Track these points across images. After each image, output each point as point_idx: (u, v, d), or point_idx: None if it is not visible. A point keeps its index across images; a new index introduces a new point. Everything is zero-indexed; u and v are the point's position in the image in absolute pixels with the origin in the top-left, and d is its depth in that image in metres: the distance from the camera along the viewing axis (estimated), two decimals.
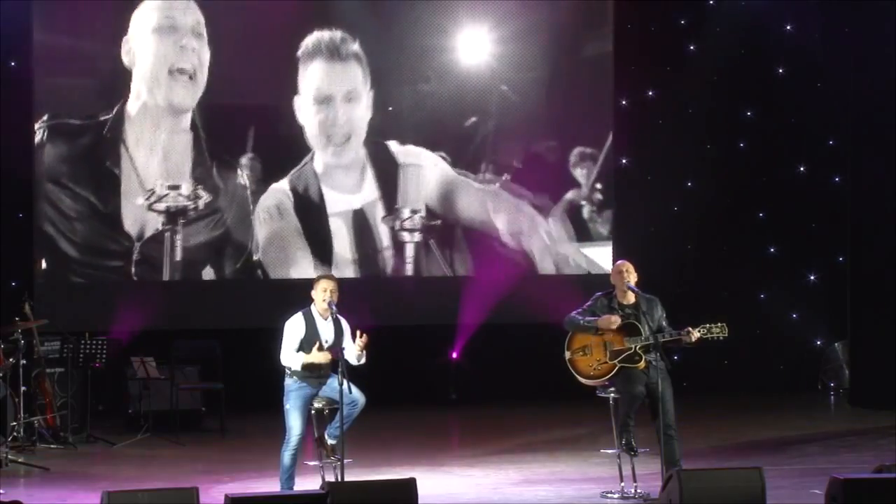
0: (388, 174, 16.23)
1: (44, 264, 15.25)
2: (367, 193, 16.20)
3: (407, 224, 16.24)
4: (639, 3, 16.87)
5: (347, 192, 16.12)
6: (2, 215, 15.08)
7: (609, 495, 11.05)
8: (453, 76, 16.45)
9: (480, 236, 16.58)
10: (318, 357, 10.71)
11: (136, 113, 15.45)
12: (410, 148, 16.30)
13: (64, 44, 15.29)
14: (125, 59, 15.39)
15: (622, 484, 11.03)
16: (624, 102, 17.07)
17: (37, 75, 15.19)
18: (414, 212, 16.27)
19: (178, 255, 15.52)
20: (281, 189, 15.91)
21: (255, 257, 15.83)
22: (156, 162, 15.49)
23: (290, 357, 10.76)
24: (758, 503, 9.39)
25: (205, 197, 15.57)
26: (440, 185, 16.39)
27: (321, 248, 16.01)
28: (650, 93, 17.29)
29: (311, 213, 15.99)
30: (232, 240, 15.80)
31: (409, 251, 16.30)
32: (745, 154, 17.49)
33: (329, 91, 16.00)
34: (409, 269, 16.28)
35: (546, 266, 16.69)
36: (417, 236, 16.29)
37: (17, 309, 13.59)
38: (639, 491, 10.95)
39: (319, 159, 16.00)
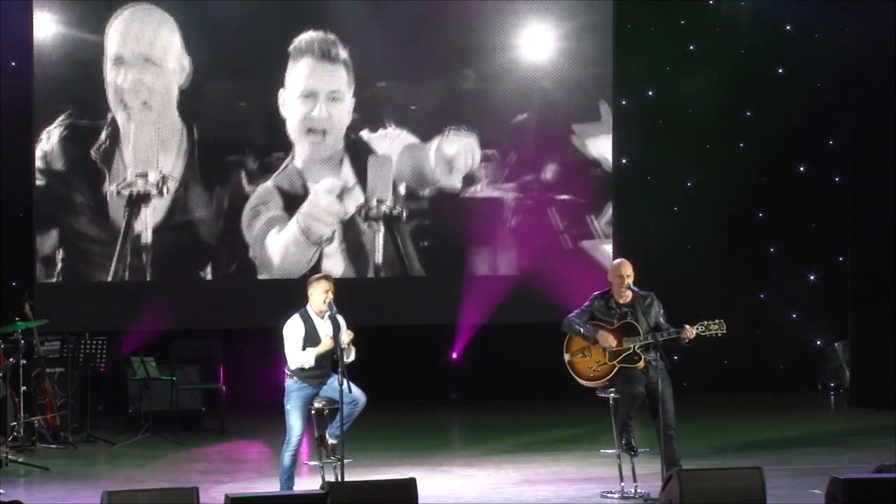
0: (365, 165, 16.28)
1: (42, 264, 15.27)
2: (349, 187, 16.21)
3: (373, 213, 16.28)
4: (639, 3, 16.87)
5: (330, 188, 16.14)
6: (2, 215, 15.08)
7: (609, 495, 11.04)
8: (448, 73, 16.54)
9: (480, 234, 16.61)
10: (327, 343, 10.70)
11: (132, 116, 15.50)
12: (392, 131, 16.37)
13: (69, 40, 15.35)
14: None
15: (622, 484, 11.03)
16: (624, 102, 17.08)
17: (37, 74, 15.22)
18: (380, 201, 16.28)
19: (144, 242, 15.52)
20: (267, 189, 15.93)
21: (250, 256, 15.85)
22: (146, 158, 15.55)
23: (300, 356, 10.74)
24: (758, 503, 9.39)
25: (171, 185, 15.56)
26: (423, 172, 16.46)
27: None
28: (650, 93, 17.29)
29: (298, 210, 16.00)
30: (226, 240, 15.84)
31: (380, 241, 16.31)
32: (745, 154, 17.49)
33: (314, 87, 16.04)
34: (379, 258, 16.27)
35: (544, 265, 16.69)
36: (381, 225, 16.30)
37: (17, 309, 13.60)
38: (639, 491, 10.94)
39: (299, 155, 16.02)
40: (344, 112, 16.19)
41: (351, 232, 16.18)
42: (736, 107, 17.39)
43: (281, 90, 15.95)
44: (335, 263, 15.99)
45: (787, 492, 10.76)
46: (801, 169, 17.68)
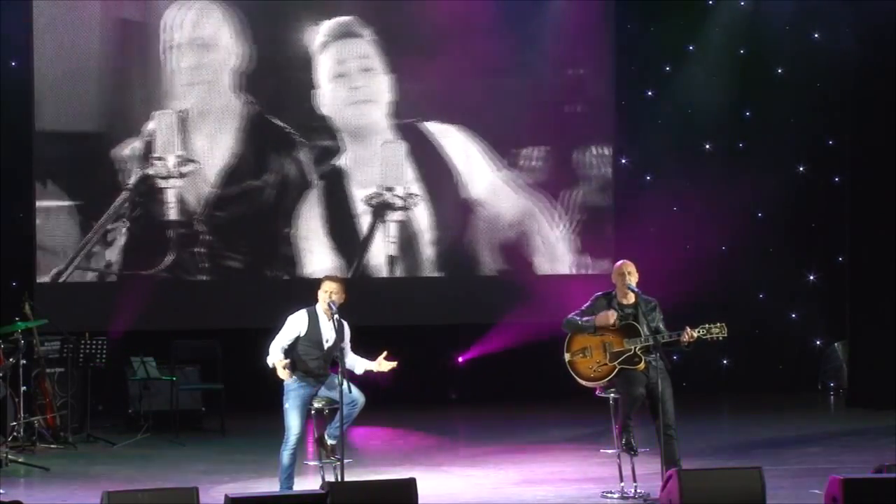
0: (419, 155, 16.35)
1: (42, 264, 15.28)
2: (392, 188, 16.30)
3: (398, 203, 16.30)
4: (639, 3, 16.88)
5: (374, 185, 16.18)
6: (2, 215, 15.08)
7: (609, 495, 11.04)
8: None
9: (482, 234, 16.63)
10: (280, 370, 10.68)
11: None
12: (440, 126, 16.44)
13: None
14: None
15: (622, 484, 11.03)
16: (624, 102, 17.07)
17: (37, 73, 15.22)
18: (388, 189, 16.28)
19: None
20: (313, 196, 15.99)
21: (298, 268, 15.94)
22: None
23: (276, 350, 10.74)
24: (758, 503, 9.40)
25: (190, 166, 15.59)
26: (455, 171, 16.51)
27: (348, 248, 16.14)
28: (650, 93, 17.30)
29: (338, 214, 16.07)
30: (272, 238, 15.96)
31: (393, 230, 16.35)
32: (745, 154, 17.49)
33: (344, 58, 16.06)
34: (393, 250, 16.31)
35: (545, 265, 16.70)
36: (399, 215, 16.33)
37: (17, 309, 13.60)
38: (639, 491, 10.95)
39: (346, 145, 16.04)
40: (383, 88, 16.16)
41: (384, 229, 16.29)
42: (736, 107, 17.40)
43: (315, 91, 15.97)
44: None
45: (787, 492, 10.77)
46: (801, 169, 17.69)
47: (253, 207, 15.85)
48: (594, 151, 16.88)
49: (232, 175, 15.76)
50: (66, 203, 15.35)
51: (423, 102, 16.35)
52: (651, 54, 17.07)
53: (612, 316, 10.98)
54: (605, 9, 16.85)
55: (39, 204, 15.25)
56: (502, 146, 16.64)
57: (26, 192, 15.26)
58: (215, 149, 15.71)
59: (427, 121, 16.37)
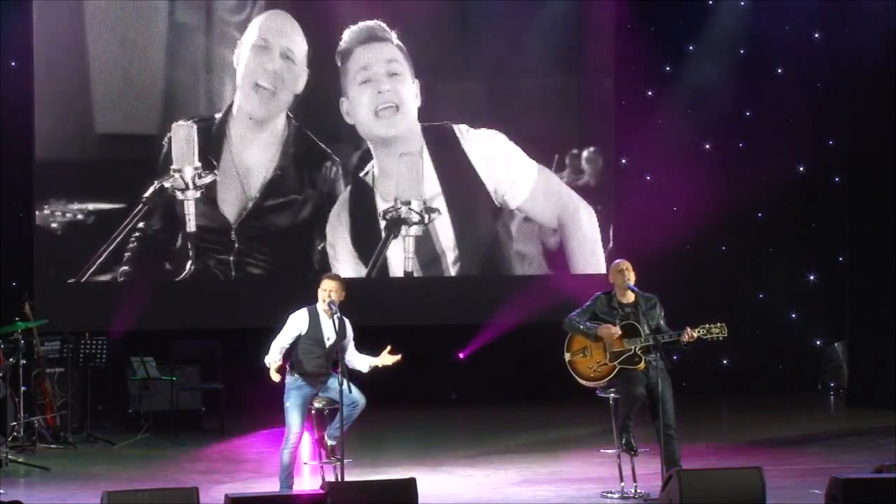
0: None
1: (42, 264, 15.26)
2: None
3: (403, 214, 16.28)
4: (639, 3, 16.88)
5: (400, 194, 16.18)
6: (2, 215, 15.08)
7: (609, 495, 11.05)
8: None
9: (487, 234, 16.64)
10: (273, 372, 10.68)
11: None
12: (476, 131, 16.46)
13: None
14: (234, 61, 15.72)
15: (622, 484, 11.03)
16: (624, 102, 17.07)
17: (37, 72, 15.21)
18: (405, 202, 16.26)
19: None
20: (341, 205, 16.02)
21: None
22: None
23: (275, 349, 10.74)
24: (758, 503, 9.40)
25: (207, 178, 15.59)
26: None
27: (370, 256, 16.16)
28: (650, 93, 17.29)
29: (364, 223, 16.10)
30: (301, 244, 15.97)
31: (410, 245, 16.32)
32: (745, 154, 17.49)
33: (369, 63, 16.03)
34: (410, 265, 16.29)
35: (545, 265, 16.71)
36: (416, 230, 16.32)
37: (17, 309, 13.59)
38: (639, 491, 10.95)
39: (374, 154, 16.05)
40: (410, 93, 16.14)
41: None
42: (736, 107, 17.40)
43: (342, 99, 15.97)
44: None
45: (787, 492, 10.77)
46: (801, 169, 17.69)
47: (283, 217, 15.84)
48: (594, 152, 16.87)
49: (267, 186, 15.76)
50: (81, 209, 15.33)
51: (427, 105, 16.36)
52: (651, 54, 17.07)
53: (615, 333, 10.97)
54: (605, 9, 16.84)
55: (53, 210, 15.25)
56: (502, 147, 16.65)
57: (27, 192, 15.25)
58: (239, 158, 15.68)
59: (434, 122, 16.40)
